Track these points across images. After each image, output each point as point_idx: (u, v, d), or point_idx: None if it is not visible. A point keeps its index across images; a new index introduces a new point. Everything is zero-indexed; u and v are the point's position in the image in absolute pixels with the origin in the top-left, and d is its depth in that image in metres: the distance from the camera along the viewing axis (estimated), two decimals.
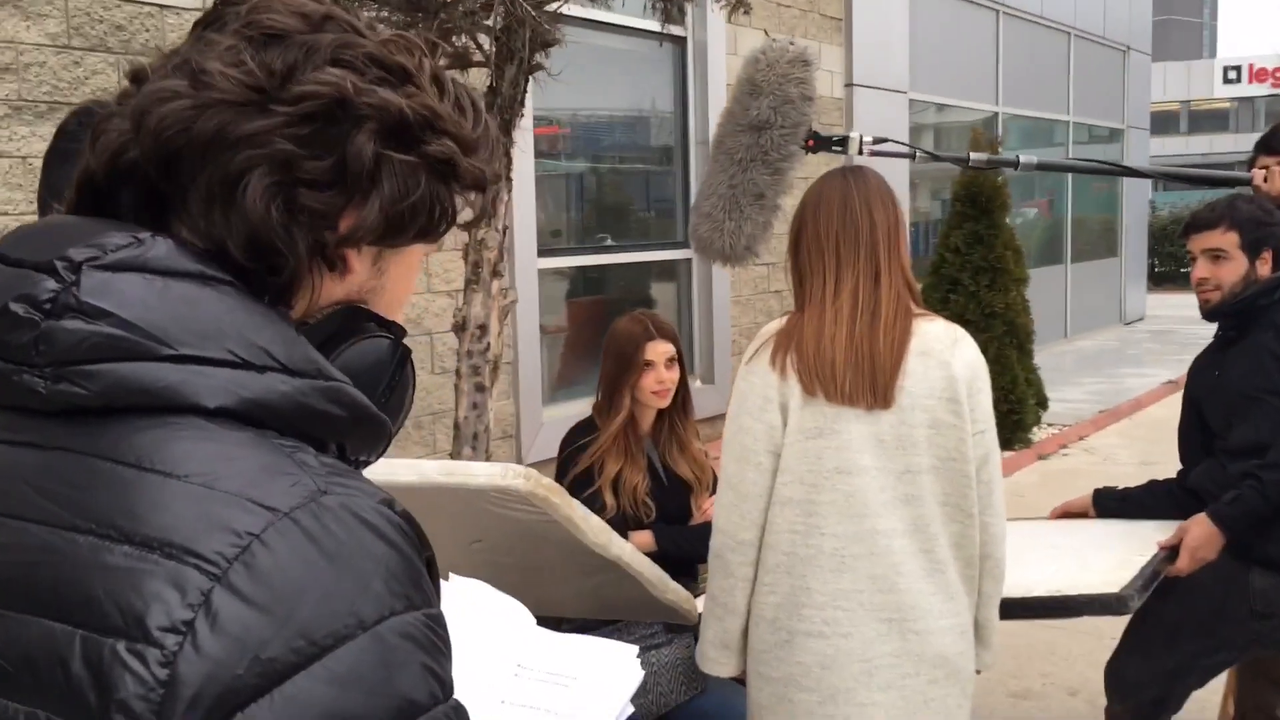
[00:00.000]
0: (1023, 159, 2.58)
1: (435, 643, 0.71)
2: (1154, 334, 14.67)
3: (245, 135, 0.76)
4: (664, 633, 2.81)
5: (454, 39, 3.98)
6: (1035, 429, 8.05)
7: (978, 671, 2.14)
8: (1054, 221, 14.16)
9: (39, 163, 4.35)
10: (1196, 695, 3.02)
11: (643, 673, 1.18)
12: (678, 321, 7.57)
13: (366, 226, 0.81)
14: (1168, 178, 2.79)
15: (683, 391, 3.08)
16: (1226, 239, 2.81)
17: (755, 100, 2.24)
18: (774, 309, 8.29)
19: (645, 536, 2.93)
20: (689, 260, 7.56)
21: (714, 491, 3.11)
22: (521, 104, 3.79)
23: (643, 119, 7.79)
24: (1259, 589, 2.70)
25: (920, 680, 2.00)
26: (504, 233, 3.81)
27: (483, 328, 3.78)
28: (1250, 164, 3.07)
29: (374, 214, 0.80)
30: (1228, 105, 42.10)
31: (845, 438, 1.99)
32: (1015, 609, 2.35)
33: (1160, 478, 3.11)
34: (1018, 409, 7.56)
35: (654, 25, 4.53)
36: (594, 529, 2.01)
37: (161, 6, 4.66)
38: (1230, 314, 2.83)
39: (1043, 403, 7.99)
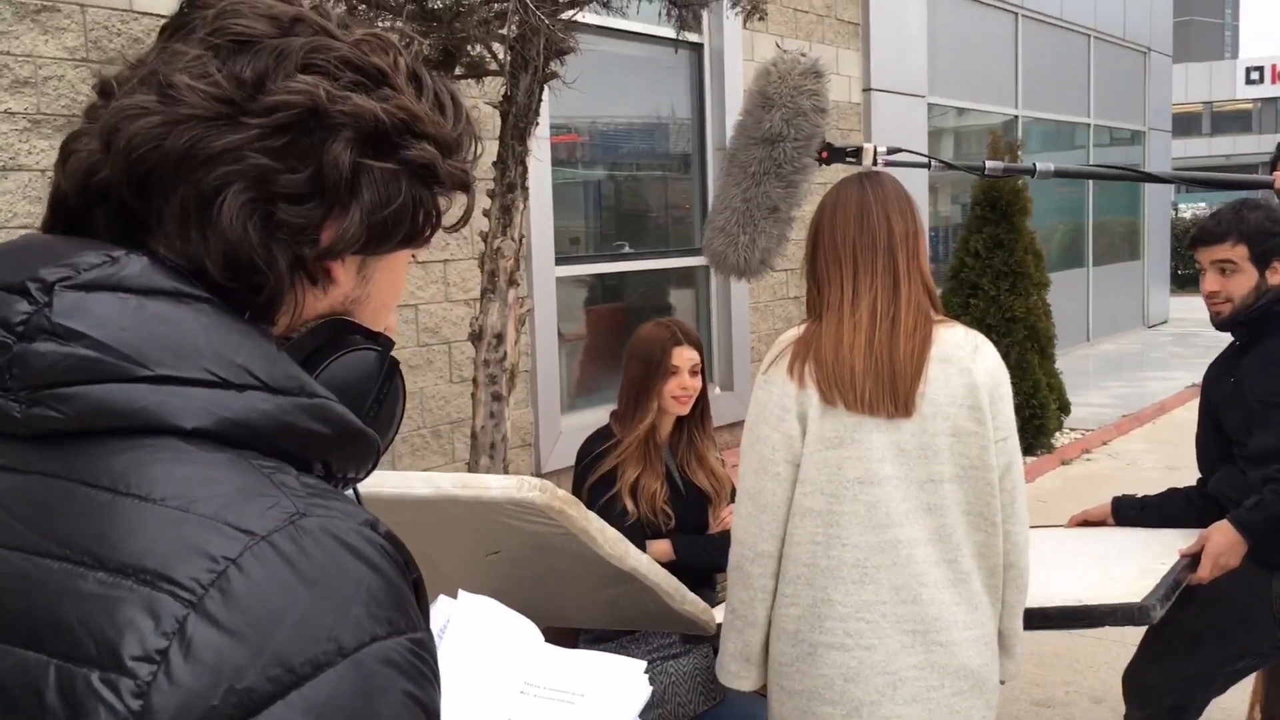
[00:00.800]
0: (1039, 166, 2.55)
1: (420, 669, 0.68)
2: (1177, 337, 14.55)
3: (218, 151, 0.74)
4: (681, 642, 2.79)
5: (469, 48, 3.98)
6: (1057, 434, 7.99)
7: (1002, 682, 2.11)
8: (1075, 225, 14.08)
9: None
10: (1219, 702, 2.98)
11: (650, 689, 1.16)
12: (697, 328, 7.53)
13: (348, 238, 0.79)
14: (1185, 181, 2.75)
15: (702, 404, 3.07)
16: (1236, 251, 2.79)
17: (767, 113, 2.22)
18: (793, 315, 8.26)
19: (664, 545, 2.92)
20: (707, 267, 7.51)
21: (732, 502, 3.10)
22: (537, 112, 3.79)
23: (659, 126, 7.78)
24: None
25: (945, 692, 1.97)
26: (520, 241, 3.80)
27: (499, 336, 3.77)
28: (1272, 165, 3.03)
29: (355, 224, 0.78)
30: (1250, 106, 41.84)
31: (866, 447, 1.96)
32: (1036, 619, 2.32)
33: (1182, 484, 3.09)
34: (1039, 414, 7.50)
35: (669, 32, 4.53)
36: (610, 541, 2.00)
37: None
38: (1244, 323, 2.81)
39: (1065, 407, 7.93)
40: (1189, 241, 2.96)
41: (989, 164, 2.49)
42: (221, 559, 0.64)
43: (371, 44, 0.80)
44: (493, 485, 1.82)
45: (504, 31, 3.73)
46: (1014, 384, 2.08)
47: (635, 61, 7.17)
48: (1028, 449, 7.16)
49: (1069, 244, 13.82)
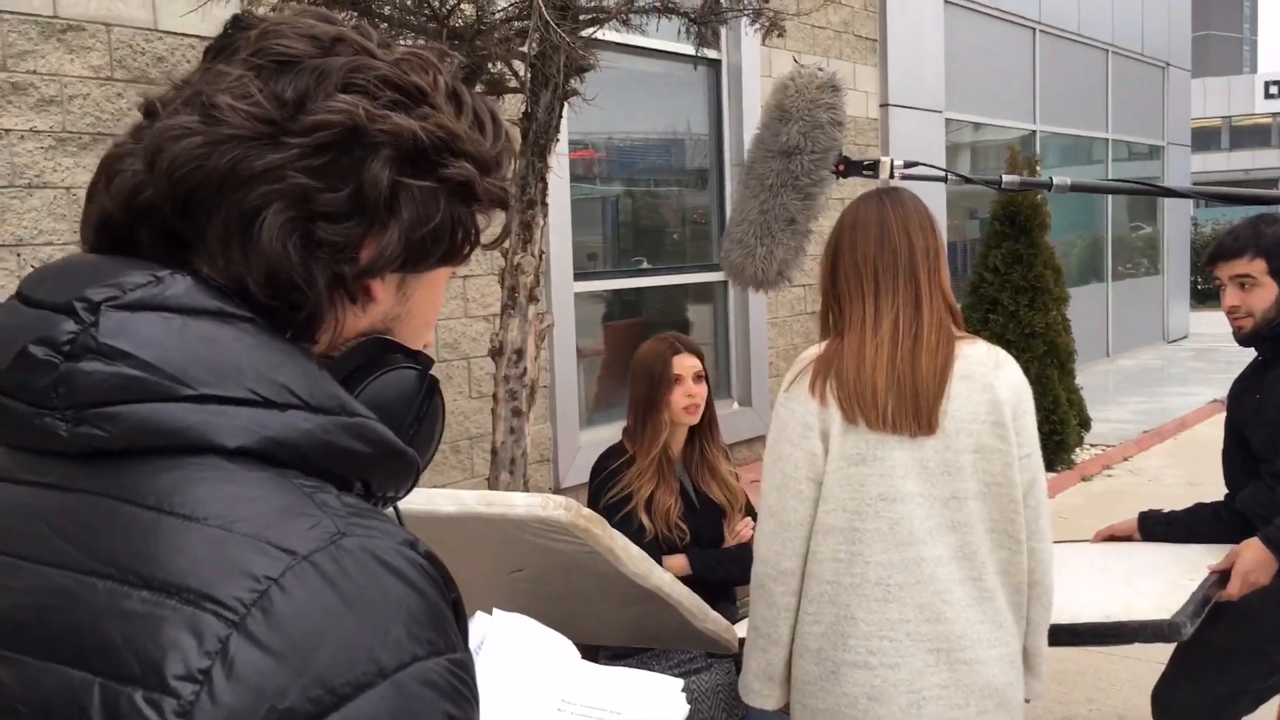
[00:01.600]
0: (1056, 180, 2.54)
1: (459, 689, 0.69)
2: (1198, 352, 14.46)
3: (259, 171, 0.74)
4: (703, 657, 2.78)
5: (489, 65, 4.00)
6: (1078, 450, 7.94)
7: (1027, 700, 2.10)
8: (1094, 239, 14.03)
9: (83, 193, 4.42)
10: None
11: (688, 707, 1.16)
12: (714, 343, 7.56)
13: (387, 256, 0.79)
14: (1204, 196, 2.74)
15: (710, 413, 3.08)
16: (1254, 266, 2.78)
17: (785, 126, 2.23)
18: (811, 331, 8.25)
19: (679, 560, 2.92)
20: (725, 282, 7.53)
21: (747, 514, 3.10)
22: (557, 129, 3.80)
23: (677, 141, 7.80)
24: None
25: (970, 711, 1.96)
26: (540, 257, 3.81)
27: (519, 352, 3.78)
28: None
29: (394, 242, 0.79)
30: (1269, 121, 41.64)
31: (888, 464, 1.96)
32: (1064, 635, 2.31)
33: (1207, 499, 3.07)
34: (1060, 429, 7.46)
35: (687, 49, 4.53)
36: (634, 559, 2.00)
37: (201, 38, 4.72)
38: (1268, 338, 2.79)
39: (1085, 423, 7.89)
40: (1207, 257, 2.95)
41: (1006, 178, 2.48)
42: (264, 579, 0.65)
43: (411, 62, 0.81)
44: (518, 503, 1.82)
45: (524, 49, 3.75)
46: (1034, 400, 2.07)
47: (653, 77, 7.20)
48: (1048, 465, 7.08)
49: (1088, 258, 13.77)
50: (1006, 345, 7.21)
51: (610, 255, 7.31)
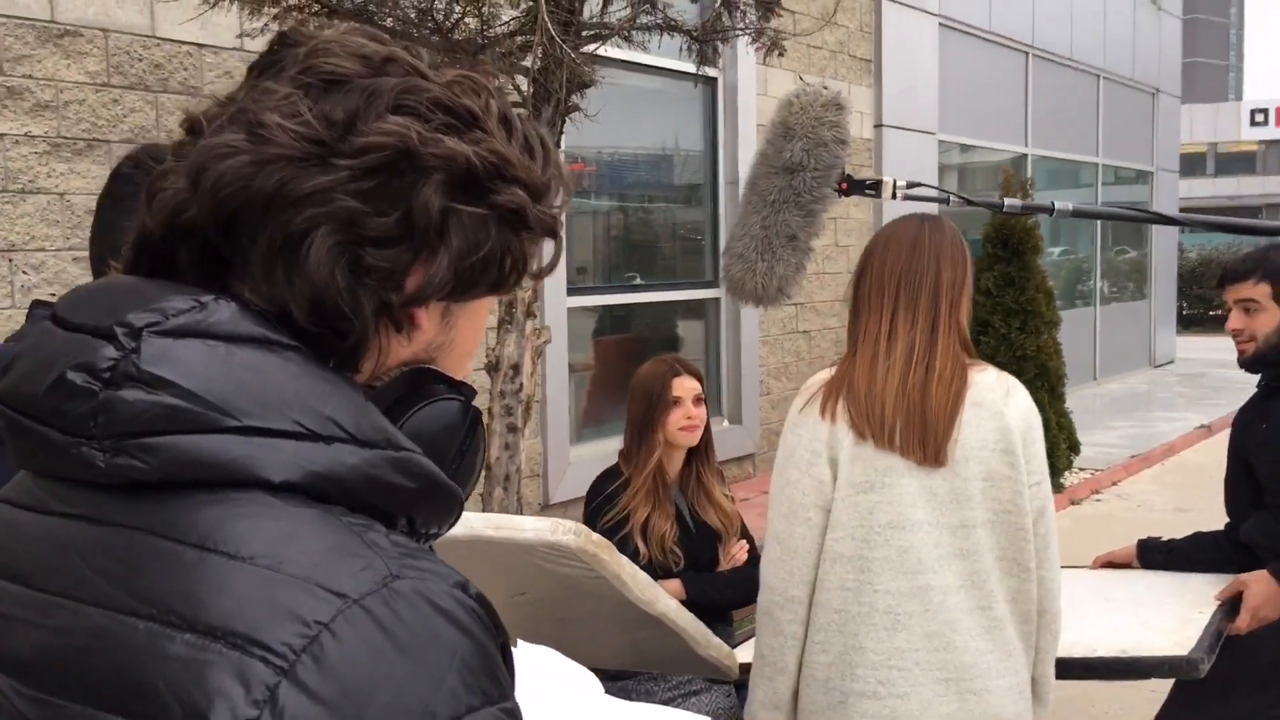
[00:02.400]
0: (1058, 205, 2.54)
1: None
2: (1184, 377, 14.52)
3: (307, 193, 0.72)
4: (701, 680, 2.76)
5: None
6: (1067, 473, 7.95)
7: None
8: (1082, 262, 14.09)
9: (76, 199, 4.38)
10: None
11: None
12: (706, 360, 7.54)
13: (436, 284, 0.76)
14: (1203, 225, 2.75)
15: (707, 437, 3.06)
16: (1259, 290, 2.78)
17: (788, 143, 2.22)
18: (801, 349, 8.25)
19: (674, 585, 2.90)
20: (718, 299, 7.53)
21: (742, 537, 3.08)
22: (557, 145, 3.79)
23: (673, 158, 7.79)
24: None
25: None
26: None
27: (516, 368, 3.75)
28: None
29: (443, 270, 0.76)
30: (1255, 147, 41.97)
31: (897, 491, 1.94)
32: (1078, 669, 2.29)
33: (1195, 525, 3.08)
34: (1050, 453, 7.44)
35: (686, 66, 4.53)
36: (640, 585, 1.97)
37: (199, 45, 4.69)
38: (1274, 363, 2.79)
39: (1075, 447, 7.89)
40: (1217, 280, 2.95)
41: (1007, 201, 2.48)
42: (314, 623, 0.62)
43: (463, 85, 0.78)
44: (527, 527, 1.79)
45: (527, 63, 3.74)
46: None
47: (649, 94, 7.19)
48: None
49: (1076, 282, 13.83)
50: (998, 368, 7.22)
51: (604, 270, 7.29)
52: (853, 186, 2.36)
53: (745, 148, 7.35)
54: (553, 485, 6.25)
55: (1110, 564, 3.07)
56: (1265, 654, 2.68)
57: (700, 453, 3.07)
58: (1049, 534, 2.00)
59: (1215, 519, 3.01)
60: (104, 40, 4.40)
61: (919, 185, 2.67)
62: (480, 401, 4.24)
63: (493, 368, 3.76)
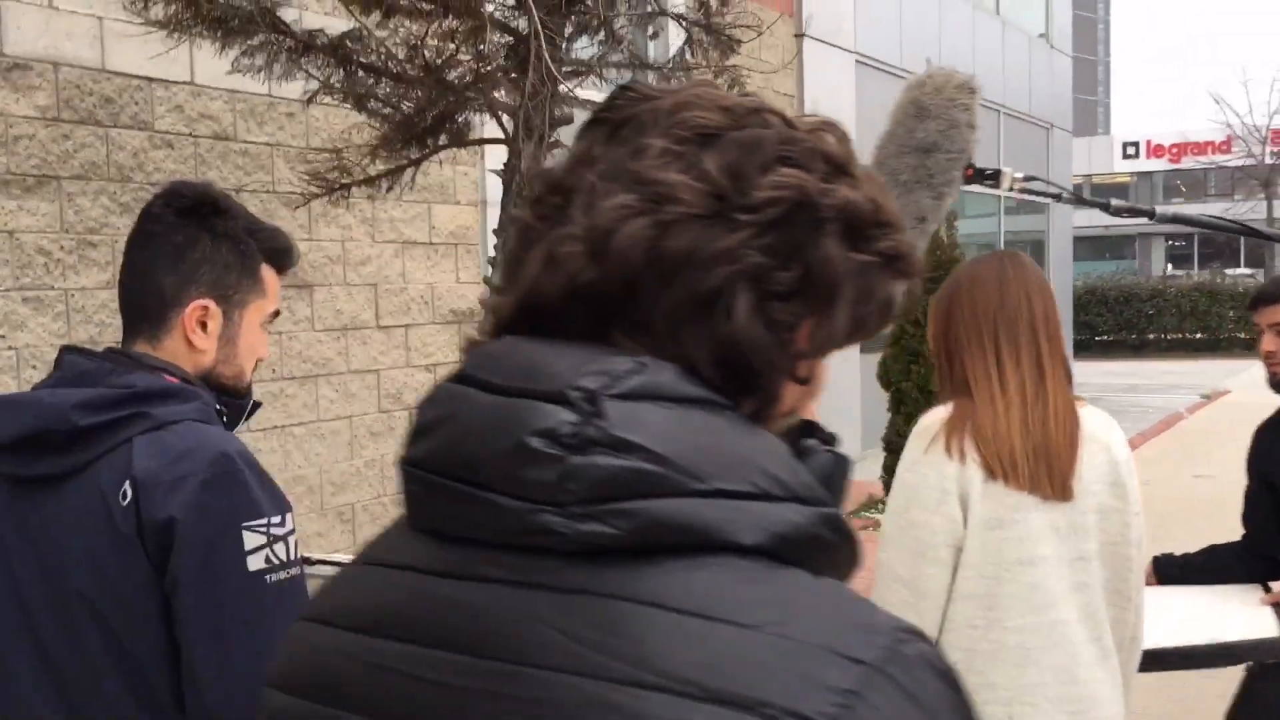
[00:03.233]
0: (1159, 210, 2.59)
1: None
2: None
3: (719, 251, 0.70)
4: None
5: (456, 116, 3.96)
6: None
7: None
8: None
9: (25, 237, 4.19)
10: None
11: None
12: None
13: (837, 335, 0.75)
14: None
15: None
16: None
17: (922, 123, 2.19)
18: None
19: None
20: None
21: None
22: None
23: None
24: None
25: None
26: None
27: None
28: None
29: (843, 321, 0.75)
30: (1128, 180, 43.80)
31: (1025, 527, 1.95)
32: (1174, 659, 2.35)
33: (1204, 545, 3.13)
34: None
35: None
36: None
37: (150, 79, 4.56)
38: None
39: None
40: (1250, 302, 3.04)
41: (1114, 201, 2.51)
42: (844, 691, 0.61)
43: (828, 132, 0.77)
44: None
45: (510, 100, 3.73)
46: None
47: None
48: None
49: None
50: (928, 396, 7.36)
51: None
52: (976, 174, 2.34)
53: None
54: None
55: None
56: None
57: None
58: (1142, 563, 2.06)
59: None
60: (54, 74, 4.24)
61: (1035, 179, 2.68)
62: None
63: None
